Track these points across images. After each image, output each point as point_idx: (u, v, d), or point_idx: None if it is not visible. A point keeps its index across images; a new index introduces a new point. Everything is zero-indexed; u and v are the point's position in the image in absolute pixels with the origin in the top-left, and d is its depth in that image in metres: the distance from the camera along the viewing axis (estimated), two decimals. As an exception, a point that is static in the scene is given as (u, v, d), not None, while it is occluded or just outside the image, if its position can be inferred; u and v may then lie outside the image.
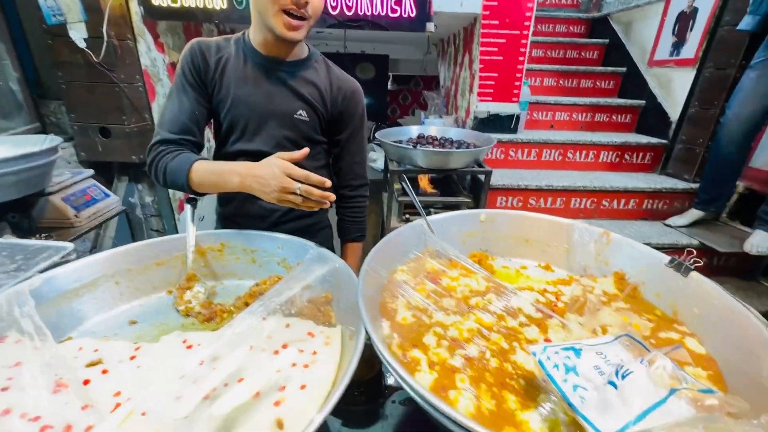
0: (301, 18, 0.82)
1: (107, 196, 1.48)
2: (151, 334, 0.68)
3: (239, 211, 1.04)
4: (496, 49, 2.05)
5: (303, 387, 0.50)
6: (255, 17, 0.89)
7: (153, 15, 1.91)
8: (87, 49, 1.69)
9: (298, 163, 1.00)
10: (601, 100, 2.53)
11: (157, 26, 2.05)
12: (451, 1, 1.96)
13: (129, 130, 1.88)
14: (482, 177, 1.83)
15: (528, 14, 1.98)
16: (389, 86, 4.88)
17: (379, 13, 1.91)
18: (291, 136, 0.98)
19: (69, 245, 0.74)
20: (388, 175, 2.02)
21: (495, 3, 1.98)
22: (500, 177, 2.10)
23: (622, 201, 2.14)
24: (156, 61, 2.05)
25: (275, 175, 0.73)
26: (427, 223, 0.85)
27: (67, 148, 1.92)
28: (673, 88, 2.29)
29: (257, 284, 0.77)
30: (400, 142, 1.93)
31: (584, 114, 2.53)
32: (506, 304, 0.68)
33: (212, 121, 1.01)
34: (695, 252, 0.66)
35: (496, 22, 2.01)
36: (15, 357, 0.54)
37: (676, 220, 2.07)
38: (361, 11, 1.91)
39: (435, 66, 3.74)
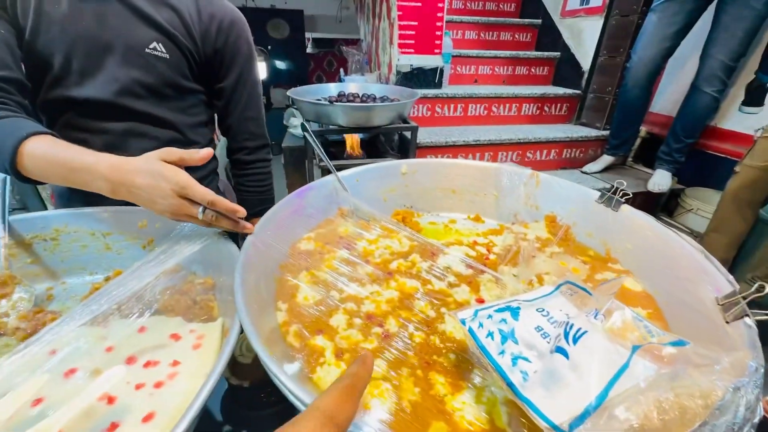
0: None
1: None
2: None
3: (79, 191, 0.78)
4: (414, -6, 1.89)
5: (149, 417, 0.34)
6: None
7: None
8: None
9: (165, 118, 0.75)
10: (521, 53, 2.52)
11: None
12: (360, -65, 1.73)
13: None
14: (408, 134, 1.71)
15: (444, -45, 1.83)
16: (310, 49, 4.49)
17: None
18: (144, 79, 0.72)
19: None
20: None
21: (409, -60, 1.79)
22: (428, 135, 2.00)
23: (544, 152, 2.19)
24: None
25: (165, 194, 0.47)
26: (339, 180, 0.70)
27: None
28: (584, 38, 2.35)
29: (107, 278, 0.57)
30: (319, 101, 1.72)
31: (505, 67, 2.52)
32: (432, 263, 0.57)
33: None
34: (625, 183, 0.61)
35: (412, -37, 1.83)
36: None
37: (590, 167, 2.18)
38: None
39: (355, 24, 3.48)
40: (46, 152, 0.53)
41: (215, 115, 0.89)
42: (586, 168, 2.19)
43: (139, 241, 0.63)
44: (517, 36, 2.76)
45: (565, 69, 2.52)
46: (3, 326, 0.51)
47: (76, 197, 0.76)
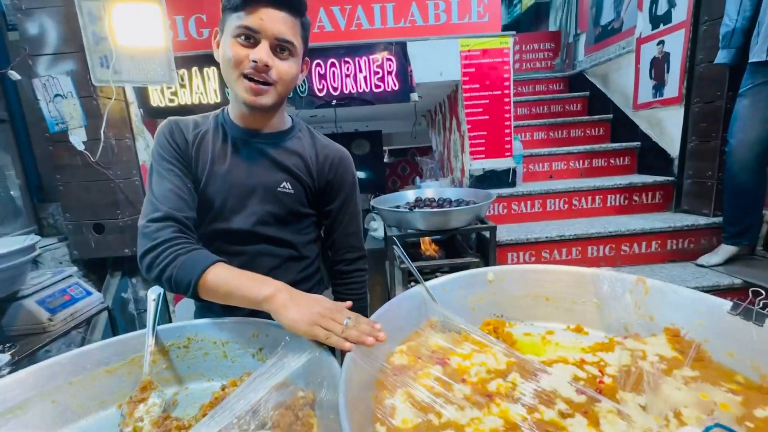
0: (265, 83, 0.79)
1: (89, 294, 1.39)
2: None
3: (217, 302, 0.92)
4: (481, 109, 2.11)
5: None
6: (230, 90, 0.88)
7: (152, 115, 2.02)
8: (85, 151, 1.75)
9: (286, 239, 0.93)
10: (596, 146, 2.52)
11: (156, 124, 2.16)
12: (431, 72, 2.06)
13: (123, 223, 1.86)
14: (487, 234, 1.72)
15: (506, 75, 2.07)
16: (386, 159, 5.08)
17: (364, 90, 2.00)
18: (275, 210, 0.90)
19: (3, 357, 0.62)
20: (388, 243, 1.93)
21: (473, 70, 2.08)
22: (506, 232, 1.99)
23: (643, 244, 1.98)
24: (154, 155, 2.12)
25: (321, 302, 0.64)
26: (426, 289, 0.72)
27: (60, 247, 1.89)
28: (666, 126, 2.28)
29: (223, 387, 0.63)
30: (398, 207, 1.87)
31: (581, 161, 2.51)
32: (536, 386, 0.52)
33: None
34: (764, 293, 0.52)
35: (477, 85, 2.09)
36: None
37: (708, 259, 1.88)
38: (346, 90, 2.01)
39: (426, 136, 3.90)
40: (228, 272, 0.71)
41: (322, 232, 1.03)
42: (702, 260, 1.90)
43: (251, 350, 0.69)
44: (588, 131, 2.79)
45: (650, 157, 2.42)
46: (139, 430, 0.58)
47: (205, 312, 0.90)
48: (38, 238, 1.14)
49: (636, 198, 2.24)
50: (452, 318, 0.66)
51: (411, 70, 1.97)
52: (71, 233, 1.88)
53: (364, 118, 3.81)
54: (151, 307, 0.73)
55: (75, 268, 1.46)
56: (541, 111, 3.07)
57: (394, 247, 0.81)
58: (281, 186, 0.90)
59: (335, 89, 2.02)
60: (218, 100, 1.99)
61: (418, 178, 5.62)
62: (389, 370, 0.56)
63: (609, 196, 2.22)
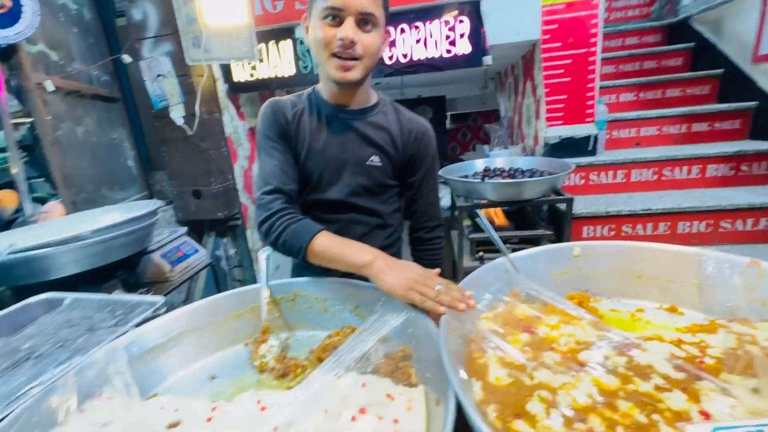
0: (353, 58, 0.82)
1: (197, 251, 1.62)
2: (229, 390, 0.66)
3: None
4: (561, 71, 1.94)
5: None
6: (320, 70, 0.93)
7: (236, 90, 2.18)
8: (184, 125, 1.97)
9: (374, 209, 1.00)
10: (698, 108, 2.20)
11: (239, 99, 2.33)
12: (507, 32, 1.93)
13: (215, 190, 2.09)
14: (562, 206, 1.65)
15: (593, 30, 1.86)
16: (447, 125, 4.93)
17: (434, 56, 1.95)
18: (365, 183, 0.97)
19: (160, 299, 0.78)
20: (456, 213, 1.94)
21: (555, 26, 1.90)
22: (583, 204, 1.88)
23: (749, 221, 1.76)
24: (238, 128, 2.31)
25: (414, 268, 0.71)
26: (511, 262, 0.75)
27: (168, 210, 2.20)
28: (794, 83, 1.92)
29: (330, 336, 0.73)
30: (466, 177, 1.85)
31: (677, 125, 2.22)
32: (630, 359, 0.54)
33: None
34: None
35: (559, 44, 1.92)
36: (106, 415, 0.54)
37: (834, 240, 1.62)
38: (416, 57, 1.97)
39: (493, 100, 3.69)
40: (331, 240, 0.82)
41: (404, 202, 1.09)
42: (825, 241, 1.65)
43: (348, 306, 0.79)
44: (689, 90, 2.44)
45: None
46: (264, 366, 0.71)
47: (302, 271, 1.03)
48: (161, 202, 1.35)
49: (745, 168, 1.95)
50: (538, 290, 0.68)
51: (484, 32, 1.86)
52: (176, 198, 2.16)
53: (427, 83, 3.70)
54: (262, 265, 0.85)
55: (185, 228, 1.71)
56: (631, 69, 2.73)
57: (478, 219, 0.83)
58: (370, 160, 0.96)
59: (405, 56, 1.99)
60: (292, 73, 2.08)
61: (478, 143, 5.40)
62: (479, 333, 0.61)
63: (710, 166, 1.97)
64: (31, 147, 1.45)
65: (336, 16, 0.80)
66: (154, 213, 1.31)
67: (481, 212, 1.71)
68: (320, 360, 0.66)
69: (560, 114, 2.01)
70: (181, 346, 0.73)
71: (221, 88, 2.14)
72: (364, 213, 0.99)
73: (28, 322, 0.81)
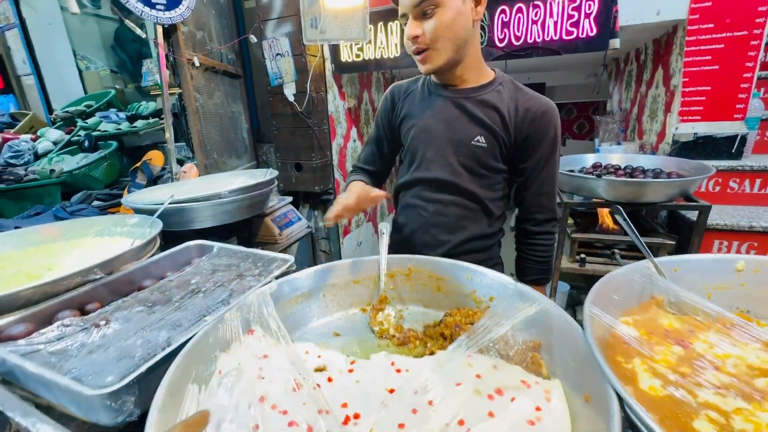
0: (422, 51, 0.86)
1: (299, 219, 1.76)
2: (353, 348, 0.71)
3: (410, 240, 1.06)
4: (709, 57, 1.66)
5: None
6: None
7: (341, 69, 2.28)
8: (294, 102, 2.11)
9: (476, 193, 0.99)
10: None
11: (342, 79, 2.43)
12: (644, 11, 1.70)
13: (315, 165, 2.23)
14: (691, 214, 1.44)
15: (762, 8, 1.54)
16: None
17: (551, 38, 1.80)
18: (468, 163, 0.96)
19: (291, 258, 0.86)
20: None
21: (708, 3, 1.62)
22: (717, 215, 1.62)
23: None
24: (339, 107, 2.42)
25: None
26: (656, 266, 0.68)
27: (271, 180, 2.42)
28: None
29: (449, 314, 0.74)
30: (572, 171, 1.71)
31: None
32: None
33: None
34: None
35: (710, 25, 1.63)
36: (263, 349, 0.63)
37: None
38: (530, 39, 1.84)
39: (588, 91, 3.32)
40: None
41: (514, 189, 1.05)
42: None
43: (465, 289, 0.79)
44: None
45: None
46: (385, 332, 0.75)
47: (397, 250, 1.10)
48: (275, 172, 1.48)
49: None
50: (697, 300, 0.61)
51: (616, 11, 1.66)
52: (279, 169, 2.36)
53: (528, 69, 3.46)
54: (382, 238, 0.89)
55: (290, 198, 1.87)
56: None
57: (616, 216, 0.77)
58: (475, 139, 0.94)
59: (517, 38, 1.87)
60: (397, 54, 2.09)
61: (570, 138, 4.91)
62: (621, 336, 0.57)
63: None
64: (177, 115, 1.68)
65: (404, 16, 0.87)
66: (272, 181, 1.44)
67: (603, 212, 1.57)
68: (443, 337, 0.68)
69: (699, 108, 1.73)
70: (309, 302, 0.80)
71: (328, 68, 2.25)
72: (465, 196, 0.98)
73: (185, 263, 0.96)
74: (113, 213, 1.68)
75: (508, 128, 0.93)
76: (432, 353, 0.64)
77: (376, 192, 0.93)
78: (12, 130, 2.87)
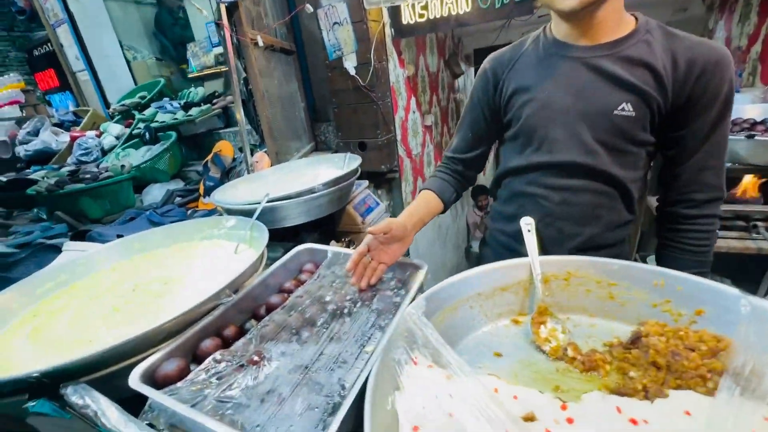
0: None
1: (378, 204, 1.65)
2: (527, 373, 0.60)
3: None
4: None
5: None
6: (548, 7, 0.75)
7: (402, 33, 2.06)
8: (356, 75, 1.95)
9: (615, 174, 0.80)
10: None
11: (401, 44, 2.21)
12: None
13: (380, 142, 2.09)
14: None
15: None
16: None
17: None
18: (608, 139, 0.77)
19: (424, 265, 0.76)
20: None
21: None
22: None
23: None
24: (399, 77, 2.23)
25: None
26: None
27: (333, 161, 2.31)
28: None
29: (642, 332, 0.60)
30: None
31: None
32: None
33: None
34: None
35: None
36: (441, 387, 0.53)
37: None
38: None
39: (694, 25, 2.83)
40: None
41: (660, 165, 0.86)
42: None
43: (651, 298, 0.65)
44: None
45: None
46: (557, 351, 0.64)
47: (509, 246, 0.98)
48: (358, 158, 1.36)
49: None
50: None
51: None
52: (342, 150, 2.24)
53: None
54: (527, 236, 0.76)
55: (366, 182, 1.76)
56: None
57: None
58: (619, 108, 0.74)
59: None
60: (468, 9, 1.84)
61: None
62: None
63: None
64: (245, 101, 1.59)
65: None
66: (357, 169, 1.33)
67: (749, 180, 1.33)
68: (656, 366, 0.55)
69: None
70: (454, 316, 0.70)
71: (388, 33, 2.04)
72: (601, 179, 0.81)
73: (296, 269, 0.89)
74: (193, 209, 1.67)
75: (665, 89, 0.73)
76: (647, 391, 0.52)
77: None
78: (78, 128, 2.95)
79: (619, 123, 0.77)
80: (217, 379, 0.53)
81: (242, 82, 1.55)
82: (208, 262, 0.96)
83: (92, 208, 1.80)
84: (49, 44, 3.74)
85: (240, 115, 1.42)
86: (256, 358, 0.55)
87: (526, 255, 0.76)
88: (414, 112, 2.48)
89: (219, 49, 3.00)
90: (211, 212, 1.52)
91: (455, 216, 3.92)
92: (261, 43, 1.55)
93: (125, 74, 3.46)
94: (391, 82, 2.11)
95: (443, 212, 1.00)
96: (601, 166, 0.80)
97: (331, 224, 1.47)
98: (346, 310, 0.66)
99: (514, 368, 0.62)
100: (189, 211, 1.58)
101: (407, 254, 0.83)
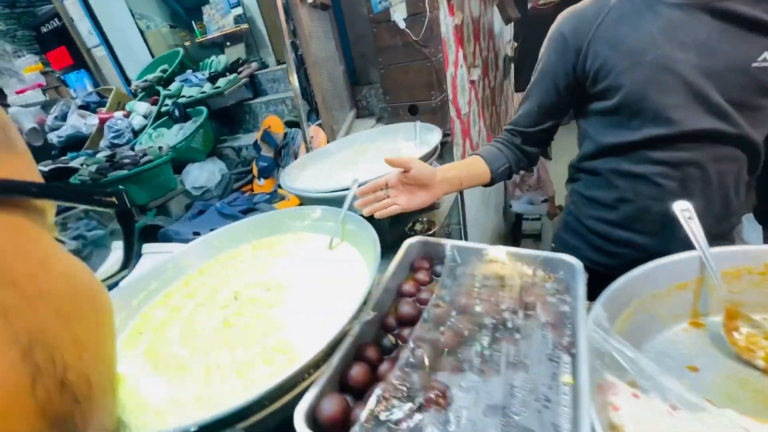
0: None
1: (446, 175, 1.51)
2: (748, 398, 0.50)
3: (638, 215, 0.79)
4: None
5: None
6: None
7: (454, -26, 1.79)
8: (406, 29, 1.73)
9: (751, 139, 0.67)
10: None
11: (449, -15, 1.94)
12: None
13: (434, 104, 1.91)
14: None
15: None
16: None
17: None
18: (742, 98, 0.64)
19: (575, 261, 0.64)
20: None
21: None
22: None
23: None
24: (448, 27, 1.98)
25: None
26: None
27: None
28: None
29: None
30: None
31: None
32: None
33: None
34: None
35: None
36: (662, 422, 0.44)
37: None
38: None
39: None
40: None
41: None
42: None
43: None
44: None
45: None
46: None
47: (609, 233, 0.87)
48: (437, 129, 1.20)
49: None
50: None
51: None
52: (389, 115, 2.07)
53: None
54: (690, 224, 0.62)
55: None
56: None
57: None
58: (760, 59, 0.61)
59: None
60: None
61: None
62: None
63: None
64: (296, 69, 1.43)
65: None
66: (441, 143, 1.17)
67: None
68: None
69: None
70: (630, 322, 0.59)
71: (437, -26, 1.78)
72: (738, 145, 0.69)
73: (407, 266, 0.79)
74: (249, 192, 1.57)
75: None
76: None
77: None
78: (104, 109, 2.84)
79: (758, 76, 0.62)
80: (395, 424, 0.45)
81: (290, 46, 1.37)
82: (301, 260, 0.88)
83: (137, 194, 1.74)
84: (57, 19, 3.54)
85: (294, 83, 1.26)
86: (437, 396, 0.47)
87: (637, 245, 0.72)
88: (461, 66, 2.24)
89: (238, 10, 2.76)
90: (271, 195, 1.43)
91: (495, 176, 3.73)
92: (310, 0, 1.35)
93: (141, 47, 3.26)
94: (442, 34, 1.87)
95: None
96: (735, 130, 0.67)
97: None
98: (509, 324, 0.56)
99: (727, 388, 0.52)
100: (246, 195, 1.50)
101: (453, 224, 0.77)
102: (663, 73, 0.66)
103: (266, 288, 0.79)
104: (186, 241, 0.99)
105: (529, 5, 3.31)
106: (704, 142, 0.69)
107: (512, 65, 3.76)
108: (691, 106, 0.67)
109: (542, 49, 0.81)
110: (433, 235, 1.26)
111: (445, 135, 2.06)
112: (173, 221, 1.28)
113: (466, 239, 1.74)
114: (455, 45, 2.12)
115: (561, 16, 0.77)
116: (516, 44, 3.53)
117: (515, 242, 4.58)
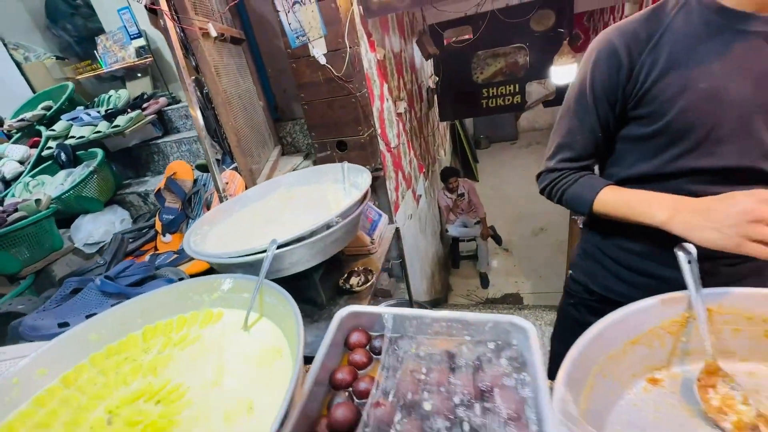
0: None
1: (380, 215, 1.43)
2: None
3: (657, 245, 0.73)
4: None
5: None
6: None
7: (371, 12, 1.80)
8: (327, 65, 1.66)
9: None
10: None
11: (368, 25, 1.94)
12: None
13: (363, 139, 1.84)
14: None
15: None
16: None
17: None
18: None
19: (529, 325, 0.57)
20: None
21: None
22: None
23: None
24: (371, 62, 1.97)
25: (743, 209, 0.53)
26: None
27: (307, 165, 2.02)
28: None
29: None
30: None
31: None
32: None
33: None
34: None
35: None
36: None
37: None
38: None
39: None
40: (616, 197, 0.71)
41: None
42: None
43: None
44: None
45: None
46: (741, 429, 0.49)
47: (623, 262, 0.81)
48: (365, 169, 1.11)
49: None
50: None
51: None
52: (317, 151, 1.96)
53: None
54: (691, 268, 0.57)
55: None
56: None
57: None
58: None
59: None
60: (448, -20, 1.62)
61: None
62: None
63: None
64: (201, 108, 1.26)
65: None
66: (367, 193, 1.08)
67: None
68: None
69: None
70: (592, 395, 0.53)
71: (355, 11, 1.76)
72: None
73: (341, 343, 0.66)
74: (147, 252, 1.32)
75: None
76: None
77: None
78: (-37, 156, 2.32)
79: None
80: None
81: (193, 84, 1.21)
82: (208, 349, 0.70)
83: (7, 261, 1.39)
84: None
85: (199, 123, 1.10)
86: None
87: (659, 276, 0.69)
88: (387, 99, 2.24)
89: (140, 41, 2.49)
90: (179, 255, 1.20)
91: (429, 202, 3.80)
92: (214, 33, 1.21)
93: (17, 80, 2.78)
94: (365, 69, 1.84)
95: None
96: None
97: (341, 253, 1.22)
98: (466, 427, 0.45)
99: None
100: (147, 257, 1.25)
101: (393, 259, 0.65)
102: (713, 102, 0.62)
103: (155, 400, 0.60)
104: (48, 337, 0.74)
105: (445, 42, 3.51)
106: (746, 181, 0.65)
107: (435, 96, 3.94)
108: (739, 140, 0.63)
109: (587, 67, 0.71)
110: (371, 286, 1.15)
111: (376, 170, 2.00)
112: (43, 301, 0.99)
113: (406, 274, 1.66)
114: (379, 79, 2.11)
115: (612, 32, 0.68)
116: (438, 77, 3.71)
117: (455, 264, 4.68)
